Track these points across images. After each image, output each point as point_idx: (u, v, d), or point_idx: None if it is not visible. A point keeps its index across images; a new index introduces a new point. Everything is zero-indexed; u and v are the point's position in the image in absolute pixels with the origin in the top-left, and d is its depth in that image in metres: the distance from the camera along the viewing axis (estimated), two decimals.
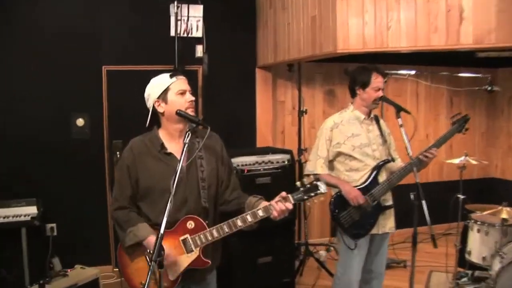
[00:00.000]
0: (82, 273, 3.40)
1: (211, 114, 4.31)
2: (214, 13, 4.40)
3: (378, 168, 2.88)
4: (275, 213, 1.96)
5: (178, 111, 2.00)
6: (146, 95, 2.11)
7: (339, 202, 2.85)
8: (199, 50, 4.40)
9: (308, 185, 2.00)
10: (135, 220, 2.05)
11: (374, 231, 2.89)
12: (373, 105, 2.91)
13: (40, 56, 3.98)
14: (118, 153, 4.08)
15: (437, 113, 5.57)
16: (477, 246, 3.52)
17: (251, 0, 4.65)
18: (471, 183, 5.03)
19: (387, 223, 2.94)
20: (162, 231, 1.72)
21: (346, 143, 2.88)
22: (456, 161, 3.76)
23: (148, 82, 2.11)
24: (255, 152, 3.84)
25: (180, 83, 2.07)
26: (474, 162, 3.77)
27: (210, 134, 2.00)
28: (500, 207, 3.43)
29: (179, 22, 4.21)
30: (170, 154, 2.07)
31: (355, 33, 3.28)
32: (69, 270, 3.38)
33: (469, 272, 3.82)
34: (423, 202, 2.53)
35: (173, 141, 2.10)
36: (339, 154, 2.91)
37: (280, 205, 1.96)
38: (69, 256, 3.84)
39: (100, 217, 4.20)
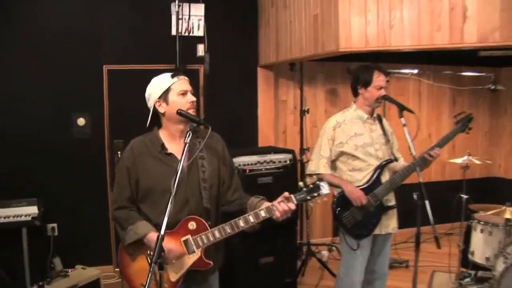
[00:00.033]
0: (83, 273, 3.41)
1: (213, 113, 4.30)
2: (216, 12, 4.39)
3: (381, 168, 2.85)
4: (277, 214, 1.94)
5: (179, 111, 1.98)
6: (147, 95, 2.09)
7: (342, 202, 2.83)
8: (201, 49, 4.39)
9: (311, 186, 1.98)
10: (135, 218, 2.04)
11: (376, 231, 2.86)
12: (376, 104, 2.89)
13: (41, 56, 3.97)
14: (119, 152, 4.05)
15: (439, 112, 5.54)
16: (481, 246, 3.51)
17: None
18: (474, 183, 4.99)
19: (390, 223, 2.91)
20: (162, 232, 1.70)
21: (348, 142, 2.86)
22: (459, 160, 3.74)
23: (149, 81, 2.09)
24: (256, 151, 3.82)
25: (182, 83, 2.05)
26: (477, 161, 3.74)
27: (211, 134, 1.97)
28: (503, 207, 3.39)
29: (180, 21, 4.19)
30: (170, 154, 2.05)
31: (358, 31, 3.27)
32: (70, 270, 3.39)
33: (472, 272, 3.79)
34: (427, 202, 2.51)
35: (174, 142, 2.08)
36: (341, 153, 2.89)
37: (283, 205, 1.94)
38: (70, 256, 3.82)
39: (101, 217, 4.19)
